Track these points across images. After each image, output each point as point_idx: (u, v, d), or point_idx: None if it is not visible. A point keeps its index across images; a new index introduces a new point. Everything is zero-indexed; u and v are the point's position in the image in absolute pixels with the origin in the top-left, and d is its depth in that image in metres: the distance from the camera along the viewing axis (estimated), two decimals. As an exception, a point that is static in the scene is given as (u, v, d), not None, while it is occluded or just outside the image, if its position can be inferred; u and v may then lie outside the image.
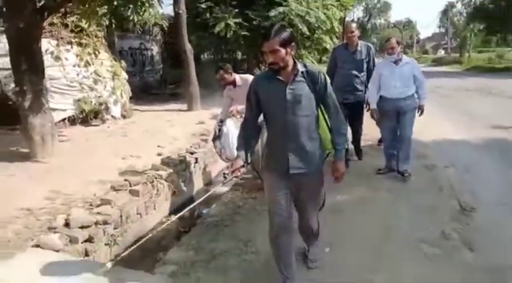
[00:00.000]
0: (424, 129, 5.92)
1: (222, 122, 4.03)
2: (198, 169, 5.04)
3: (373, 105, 4.21)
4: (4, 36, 6.64)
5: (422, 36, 72.75)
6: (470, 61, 31.25)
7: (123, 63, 8.37)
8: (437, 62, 37.88)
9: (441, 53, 53.16)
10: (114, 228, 3.22)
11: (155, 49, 14.19)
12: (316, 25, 10.24)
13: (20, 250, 2.64)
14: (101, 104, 7.03)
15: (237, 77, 4.03)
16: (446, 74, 22.07)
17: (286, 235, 2.24)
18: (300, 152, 2.15)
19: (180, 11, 8.58)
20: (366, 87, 4.44)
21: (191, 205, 2.70)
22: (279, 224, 2.22)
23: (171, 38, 12.86)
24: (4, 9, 4.58)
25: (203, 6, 10.10)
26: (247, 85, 2.95)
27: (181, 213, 2.64)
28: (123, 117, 7.68)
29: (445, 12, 45.75)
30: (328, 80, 2.17)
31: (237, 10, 9.87)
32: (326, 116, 2.24)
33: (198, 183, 5.02)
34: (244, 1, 10.17)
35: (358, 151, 4.99)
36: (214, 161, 5.42)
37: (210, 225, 3.39)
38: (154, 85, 13.49)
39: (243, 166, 2.21)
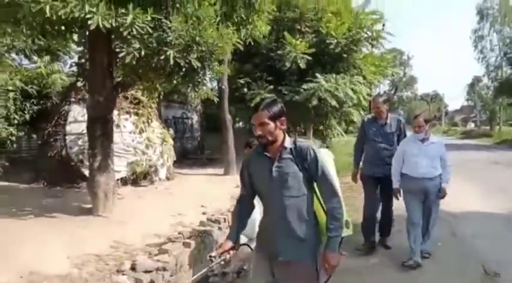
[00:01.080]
0: (452, 200, 6.18)
1: None
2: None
3: (396, 184, 4.11)
4: (73, 106, 7.86)
5: (450, 109, 73.34)
6: (501, 134, 31.12)
7: (171, 131, 9.35)
8: (467, 134, 37.84)
9: (471, 125, 53.05)
10: (171, 275, 3.68)
11: (195, 118, 15.45)
12: (344, 99, 11.07)
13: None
14: (150, 167, 7.84)
15: None
16: (475, 147, 22.15)
17: None
18: (291, 237, 1.97)
19: (223, 87, 9.70)
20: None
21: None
22: None
23: (210, 109, 14.12)
24: (87, 86, 5.61)
25: (241, 82, 11.25)
26: None
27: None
28: (168, 179, 8.42)
29: (472, 86, 46.66)
30: (320, 156, 2.01)
31: (271, 87, 10.93)
32: (320, 198, 2.06)
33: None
34: (278, 78, 11.30)
35: (386, 234, 4.64)
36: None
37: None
38: (192, 151, 14.47)
39: (233, 247, 2.06)
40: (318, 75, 10.49)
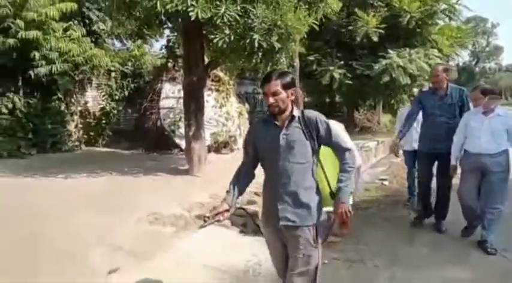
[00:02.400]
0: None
1: None
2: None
3: (453, 161, 3.82)
4: (165, 84, 8.97)
5: (543, 81, 65.46)
6: None
7: (246, 105, 10.21)
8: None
9: None
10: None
11: (265, 93, 16.19)
12: (418, 74, 10.95)
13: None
14: (230, 137, 8.80)
15: None
16: None
17: None
18: (292, 202, 2.02)
19: (294, 64, 10.22)
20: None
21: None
22: (278, 276, 2.27)
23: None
24: (183, 67, 6.55)
25: (311, 58, 11.64)
26: None
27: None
28: (244, 148, 9.35)
29: None
30: (331, 123, 2.12)
31: (342, 62, 11.17)
32: (326, 168, 2.15)
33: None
34: (349, 53, 11.49)
35: (441, 217, 4.19)
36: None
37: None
38: (262, 124, 15.32)
39: (227, 210, 2.10)
40: (390, 51, 10.50)
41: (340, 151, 2.11)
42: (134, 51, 10.30)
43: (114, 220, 4.08)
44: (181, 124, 8.00)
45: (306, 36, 6.32)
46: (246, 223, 4.35)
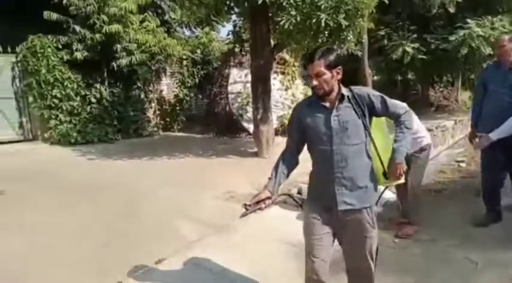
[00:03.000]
0: None
1: None
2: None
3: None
4: (232, 69, 9.24)
5: None
6: None
7: (313, 87, 10.16)
8: None
9: None
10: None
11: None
12: (502, 43, 9.91)
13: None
14: (296, 119, 8.86)
15: None
16: None
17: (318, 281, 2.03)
18: (350, 185, 1.95)
19: (363, 40, 9.85)
20: None
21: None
22: (312, 269, 2.03)
23: (347, 63, 14.29)
24: (250, 51, 6.72)
25: (381, 33, 11.09)
26: None
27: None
28: (311, 130, 9.35)
29: None
30: (385, 96, 2.02)
31: (415, 36, 10.49)
32: (379, 141, 2.05)
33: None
34: (423, 25, 10.73)
35: None
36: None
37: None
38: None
39: (269, 198, 2.03)
40: (468, 20, 9.62)
41: (397, 116, 2.06)
42: (203, 39, 10.73)
43: (195, 196, 4.52)
44: (249, 108, 8.25)
45: (374, 10, 6.09)
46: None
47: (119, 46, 8.18)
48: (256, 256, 3.11)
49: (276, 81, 9.03)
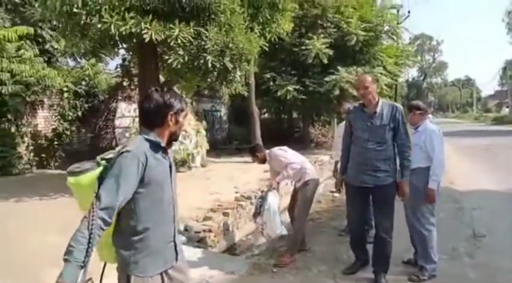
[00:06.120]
0: (462, 179, 6.88)
1: (262, 198, 3.94)
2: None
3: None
4: (120, 103, 8.90)
5: (484, 94, 71.01)
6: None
7: (204, 123, 10.35)
8: (499, 121, 36.65)
9: (505, 111, 51.32)
10: (214, 236, 4.64)
11: (223, 110, 16.43)
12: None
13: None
14: (187, 155, 8.86)
15: (266, 154, 4.06)
16: (504, 132, 21.92)
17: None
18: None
19: (250, 82, 10.57)
20: (394, 165, 3.11)
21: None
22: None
23: (237, 102, 15.04)
24: (138, 86, 6.63)
25: (267, 76, 12.07)
26: (274, 159, 3.88)
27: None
28: (202, 166, 9.43)
29: (504, 70, 45.22)
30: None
31: (295, 78, 11.67)
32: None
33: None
34: (302, 71, 12.04)
35: (383, 268, 3.20)
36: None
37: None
38: (221, 141, 15.47)
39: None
40: (339, 68, 11.14)
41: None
42: (88, 70, 10.18)
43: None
44: (138, 143, 7.96)
45: (259, 55, 6.66)
46: (203, 238, 4.45)
47: (-14, 75, 7.26)
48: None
49: (166, 117, 8.98)
